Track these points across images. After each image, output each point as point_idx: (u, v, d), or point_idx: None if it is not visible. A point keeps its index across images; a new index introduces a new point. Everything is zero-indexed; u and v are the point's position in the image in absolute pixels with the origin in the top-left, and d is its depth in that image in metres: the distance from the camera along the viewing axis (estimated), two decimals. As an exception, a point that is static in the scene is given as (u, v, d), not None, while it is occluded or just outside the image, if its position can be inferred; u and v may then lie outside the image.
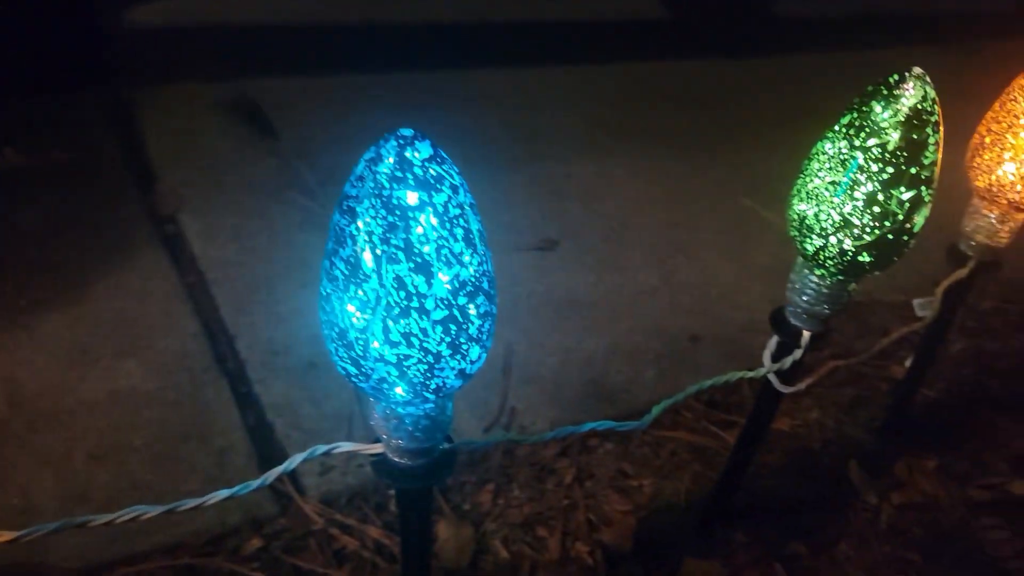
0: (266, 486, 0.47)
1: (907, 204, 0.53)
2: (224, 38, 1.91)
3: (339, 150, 1.51)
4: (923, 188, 0.53)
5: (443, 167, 0.36)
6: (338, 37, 2.04)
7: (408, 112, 1.75)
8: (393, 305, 0.37)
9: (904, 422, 1.04)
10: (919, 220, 0.55)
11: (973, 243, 0.80)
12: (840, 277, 0.60)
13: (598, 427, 0.55)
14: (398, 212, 0.35)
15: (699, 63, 2.29)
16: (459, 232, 0.37)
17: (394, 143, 0.36)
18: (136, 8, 1.82)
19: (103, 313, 1.07)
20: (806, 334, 0.64)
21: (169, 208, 1.31)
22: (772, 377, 0.68)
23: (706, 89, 2.15)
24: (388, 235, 0.36)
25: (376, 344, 0.38)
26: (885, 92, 0.52)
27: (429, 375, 0.40)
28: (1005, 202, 0.75)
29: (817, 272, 0.61)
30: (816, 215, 0.56)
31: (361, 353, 0.39)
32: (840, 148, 0.54)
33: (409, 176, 0.35)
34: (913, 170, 0.52)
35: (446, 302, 0.37)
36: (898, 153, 0.52)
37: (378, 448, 0.49)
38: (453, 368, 0.40)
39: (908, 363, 1.01)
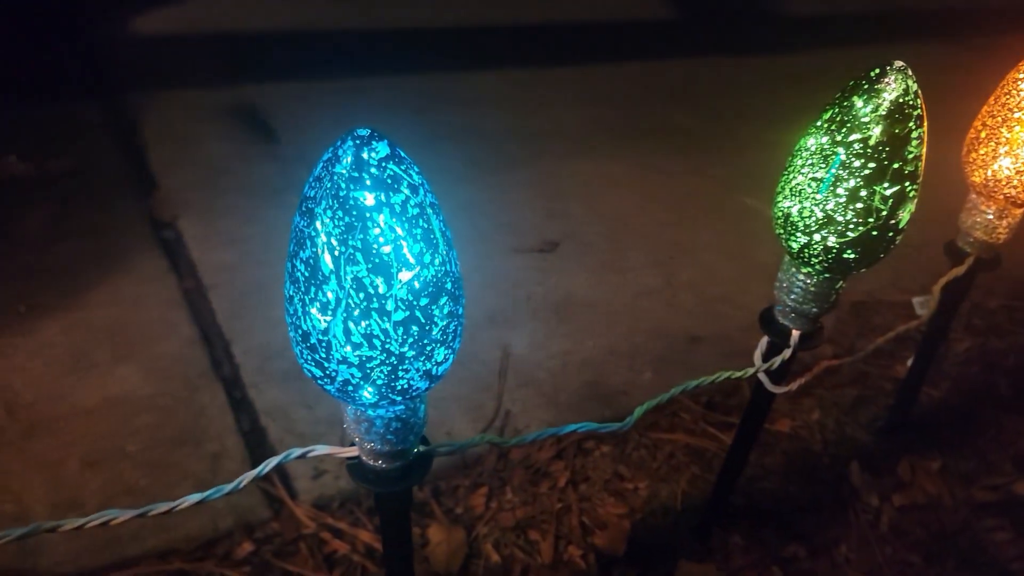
0: (243, 489, 0.47)
1: (891, 200, 0.52)
2: (223, 44, 1.92)
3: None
4: (907, 183, 0.52)
5: (401, 167, 0.36)
6: (336, 41, 2.05)
7: (407, 114, 1.75)
8: (353, 306, 0.36)
9: (907, 422, 1.03)
10: (904, 216, 0.54)
11: (971, 239, 0.79)
12: (827, 275, 0.59)
13: (579, 429, 0.54)
14: (355, 213, 0.35)
15: (699, 62, 2.28)
16: (418, 232, 0.36)
17: (351, 143, 0.35)
18: (136, 16, 1.83)
19: (100, 319, 1.07)
20: (795, 333, 0.63)
21: (168, 214, 1.32)
22: (763, 377, 0.67)
23: (706, 88, 2.14)
24: (346, 236, 0.35)
25: (338, 346, 0.38)
26: (866, 86, 0.51)
27: (394, 377, 0.39)
28: (1002, 197, 0.74)
29: (804, 270, 0.60)
30: (800, 212, 0.55)
31: (324, 355, 0.38)
32: (822, 144, 0.53)
33: (366, 176, 0.35)
34: (896, 165, 0.51)
35: (407, 303, 0.37)
36: (880, 148, 0.51)
37: (353, 451, 0.48)
38: (418, 370, 0.40)
39: (910, 362, 0.99)
